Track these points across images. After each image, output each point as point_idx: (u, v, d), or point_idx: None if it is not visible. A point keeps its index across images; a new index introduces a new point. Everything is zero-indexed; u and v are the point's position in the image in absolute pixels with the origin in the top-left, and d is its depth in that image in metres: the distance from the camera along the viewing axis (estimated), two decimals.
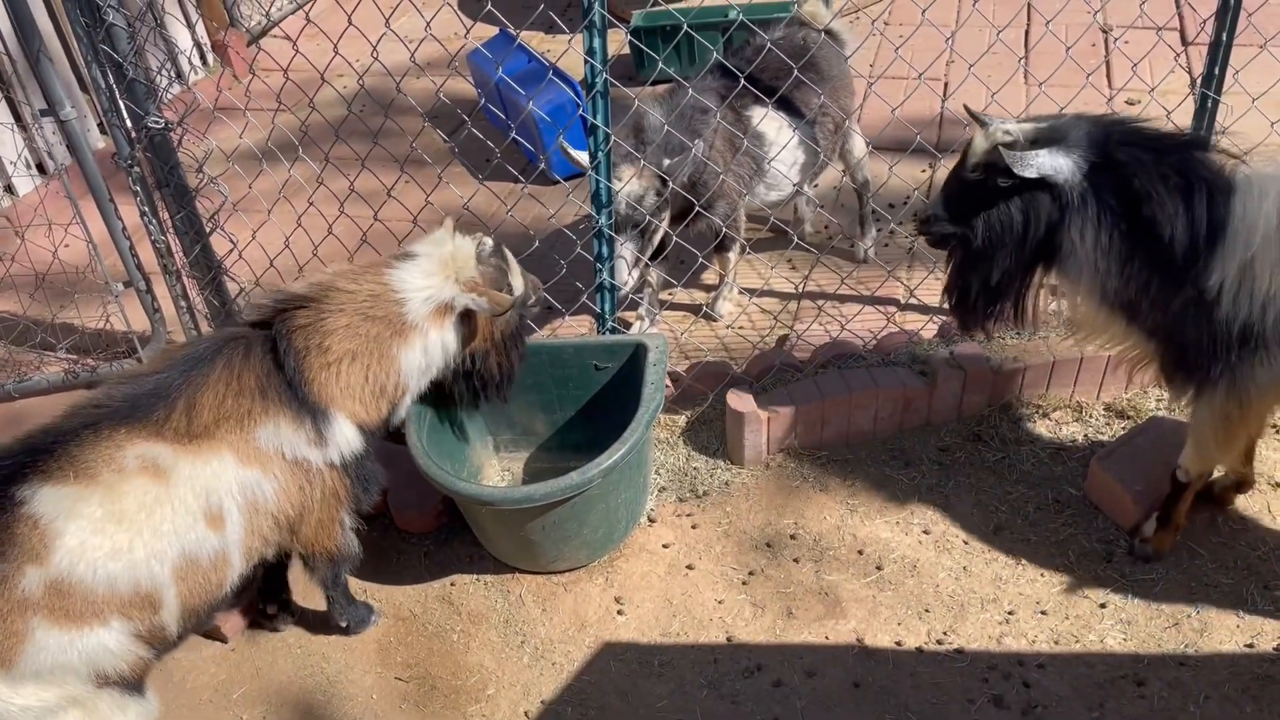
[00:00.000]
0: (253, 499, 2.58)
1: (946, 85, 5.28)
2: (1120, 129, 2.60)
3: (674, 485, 3.47)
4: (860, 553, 3.23)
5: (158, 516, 2.40)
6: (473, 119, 3.63)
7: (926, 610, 3.06)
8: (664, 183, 3.40)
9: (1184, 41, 5.47)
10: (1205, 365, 2.63)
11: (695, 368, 3.60)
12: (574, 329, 3.83)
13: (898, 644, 2.98)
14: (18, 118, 4.83)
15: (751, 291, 4.06)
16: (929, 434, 3.53)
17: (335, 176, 3.90)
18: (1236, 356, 2.57)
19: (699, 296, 4.20)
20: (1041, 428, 3.51)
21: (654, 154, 3.41)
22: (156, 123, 3.52)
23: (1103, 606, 3.00)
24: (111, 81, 3.45)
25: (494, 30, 5.39)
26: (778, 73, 3.49)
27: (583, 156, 3.56)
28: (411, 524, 3.40)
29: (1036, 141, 2.57)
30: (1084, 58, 5.17)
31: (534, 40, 5.91)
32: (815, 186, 4.26)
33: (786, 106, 3.69)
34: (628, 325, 3.90)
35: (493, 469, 3.51)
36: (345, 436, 2.70)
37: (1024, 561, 3.15)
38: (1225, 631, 2.90)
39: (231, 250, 3.83)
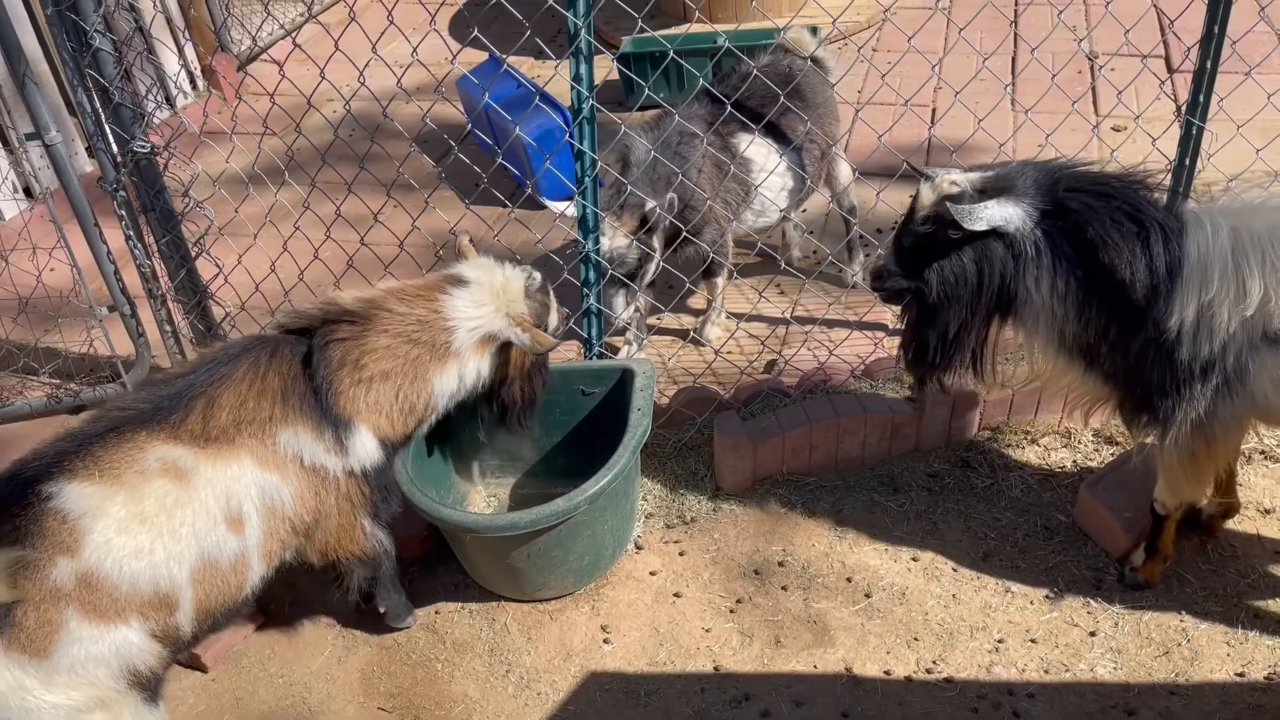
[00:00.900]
0: (271, 503, 2.60)
1: (934, 112, 5.30)
2: (1068, 174, 2.58)
3: (661, 512, 3.45)
4: (849, 580, 3.20)
5: (177, 519, 2.44)
6: (461, 144, 3.62)
7: (915, 639, 3.03)
8: (644, 223, 3.41)
9: (1169, 69, 5.51)
10: (1169, 406, 2.62)
11: (683, 393, 3.58)
12: (561, 354, 3.80)
13: (886, 673, 2.95)
14: (4, 141, 4.81)
15: (739, 317, 4.05)
16: (918, 460, 3.52)
17: (322, 201, 3.89)
18: (1199, 395, 2.56)
19: (687, 321, 4.19)
20: (1030, 454, 3.50)
21: (641, 183, 3.42)
22: (142, 147, 3.50)
23: (1093, 635, 2.98)
24: (97, 106, 3.45)
25: (483, 56, 5.40)
26: (764, 100, 3.50)
27: (561, 207, 3.57)
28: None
29: (984, 191, 2.56)
30: (1070, 85, 5.20)
31: (523, 66, 5.91)
32: (803, 212, 4.26)
33: (773, 133, 3.70)
34: (615, 350, 3.89)
35: (478, 496, 3.48)
36: (366, 448, 2.73)
37: (1013, 589, 3.12)
38: (1216, 660, 2.88)
39: (217, 275, 3.81)
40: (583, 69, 2.87)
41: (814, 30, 4.84)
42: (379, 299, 2.74)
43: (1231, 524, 3.20)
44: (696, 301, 4.23)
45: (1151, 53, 5.49)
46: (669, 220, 3.46)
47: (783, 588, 3.20)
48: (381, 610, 3.12)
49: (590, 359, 3.46)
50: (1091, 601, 3.07)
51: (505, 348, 2.83)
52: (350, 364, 2.66)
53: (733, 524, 3.39)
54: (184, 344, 3.95)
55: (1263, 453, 3.36)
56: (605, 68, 5.67)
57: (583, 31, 2.77)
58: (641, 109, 5.38)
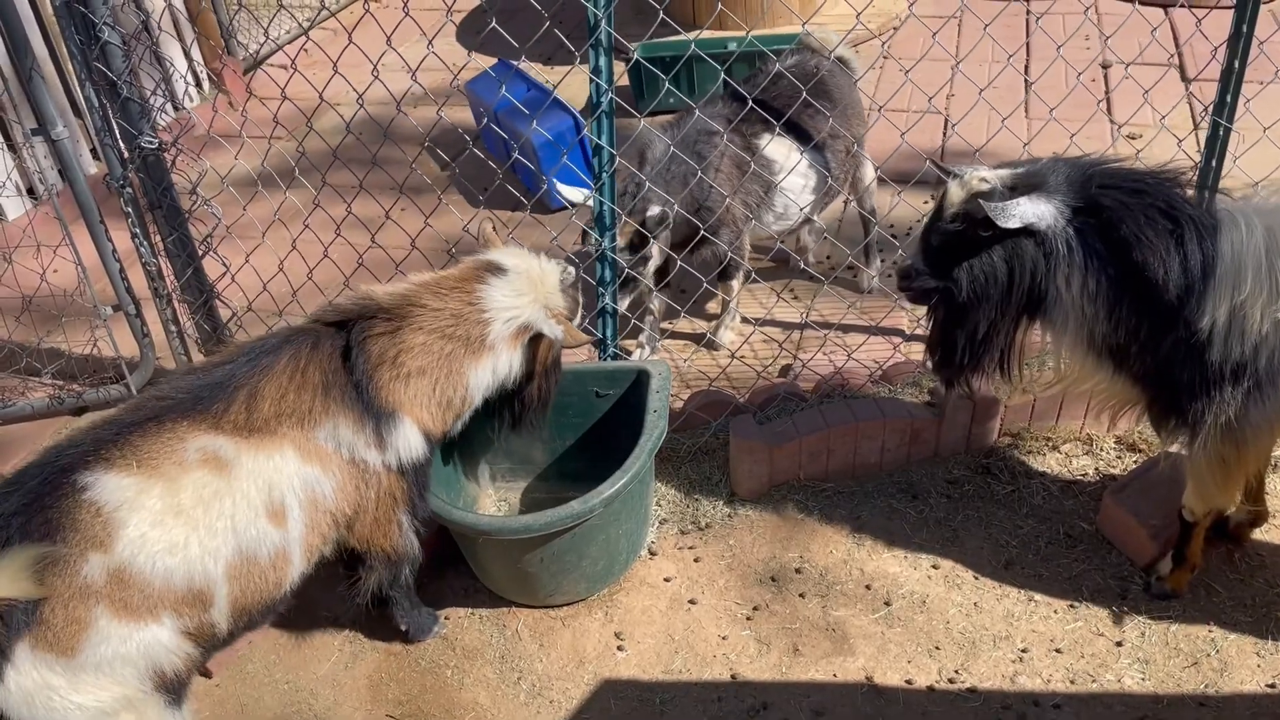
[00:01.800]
0: (313, 495, 2.55)
1: (946, 120, 5.26)
2: (1100, 171, 2.52)
3: (675, 517, 3.38)
4: (868, 588, 3.13)
5: (214, 512, 2.37)
6: (472, 145, 3.57)
7: (937, 648, 2.96)
8: (644, 228, 3.36)
9: (1184, 78, 5.47)
10: (1199, 408, 2.56)
11: (697, 396, 3.52)
12: (574, 355, 3.74)
13: (908, 682, 2.88)
14: (8, 141, 4.75)
15: (754, 320, 4.00)
16: (937, 466, 3.45)
17: (332, 203, 3.83)
18: (1230, 398, 2.50)
19: (700, 325, 4.13)
20: (1052, 460, 3.43)
21: (656, 181, 3.37)
22: (150, 143, 3.45)
23: (1119, 645, 2.91)
24: (105, 100, 3.40)
25: (490, 62, 5.36)
26: (790, 99, 3.44)
27: (573, 193, 3.51)
28: None
29: (1014, 188, 2.50)
30: (1084, 94, 5.16)
31: (532, 71, 5.87)
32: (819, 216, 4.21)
33: (798, 133, 3.65)
34: (628, 353, 3.82)
35: (489, 499, 3.41)
36: (409, 441, 2.67)
37: (1037, 598, 3.05)
38: (1246, 671, 2.81)
39: (224, 274, 3.75)
40: (602, 61, 2.81)
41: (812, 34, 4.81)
42: (413, 294, 2.69)
43: (1260, 533, 3.13)
44: (711, 305, 4.17)
45: (1167, 62, 5.46)
46: (685, 218, 3.41)
47: (800, 595, 3.13)
48: (403, 628, 3.05)
49: (604, 360, 3.39)
50: (1117, 611, 3.00)
51: (534, 342, 2.77)
52: (388, 361, 2.61)
53: (748, 530, 3.32)
54: (189, 345, 3.89)
55: None
56: (615, 73, 5.62)
57: (603, 23, 2.72)
58: (651, 114, 5.34)
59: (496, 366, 2.75)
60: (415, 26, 3.37)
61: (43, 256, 3.97)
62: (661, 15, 3.38)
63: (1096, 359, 2.64)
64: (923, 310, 3.84)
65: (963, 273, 2.57)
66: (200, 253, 3.69)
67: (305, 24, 6.61)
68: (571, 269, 2.90)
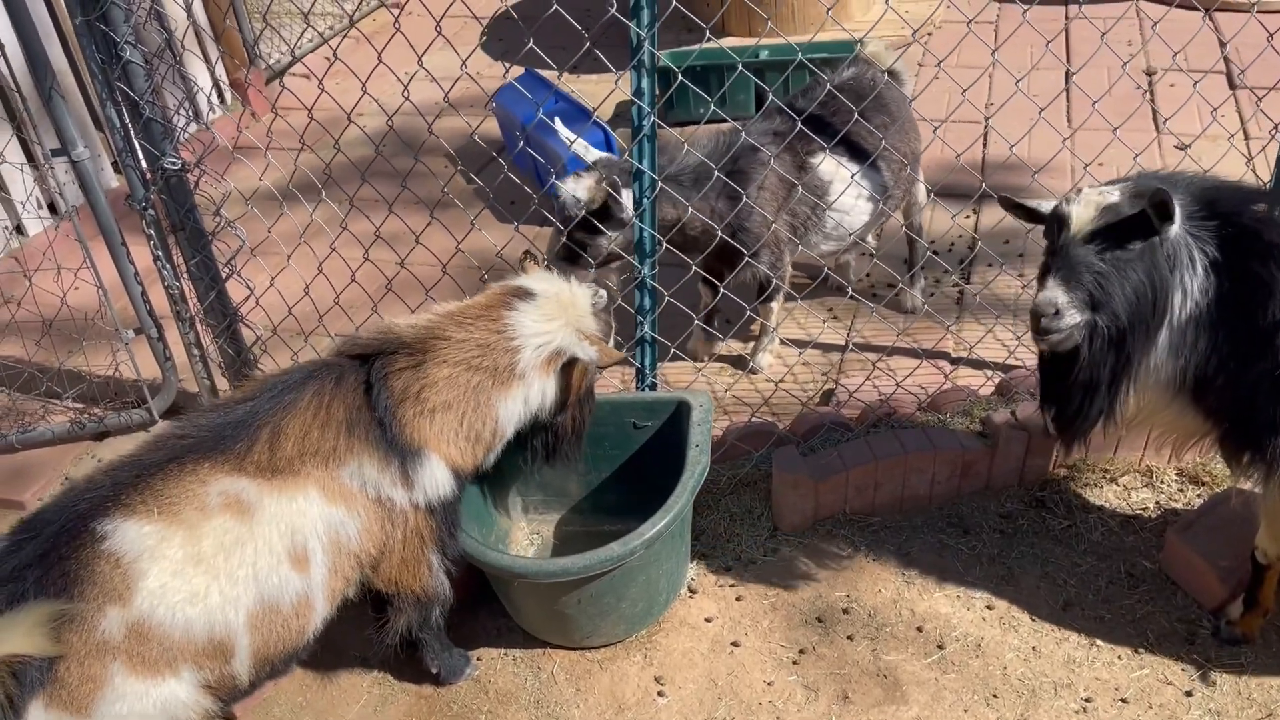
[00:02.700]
0: (336, 538, 2.44)
1: (986, 125, 5.10)
2: (1224, 190, 2.39)
3: (716, 552, 3.24)
4: (920, 630, 2.99)
5: (235, 560, 2.28)
6: (497, 160, 3.45)
7: (994, 695, 2.81)
8: (608, 204, 3.22)
9: (1230, 85, 5.29)
10: (1278, 445, 2.40)
11: (738, 427, 3.38)
12: (610, 384, 3.61)
13: None
14: (29, 157, 4.67)
15: (794, 343, 3.86)
16: (989, 499, 3.30)
17: (356, 219, 3.72)
18: None
19: (736, 347, 3.99)
20: (1110, 494, 3.28)
21: (683, 186, 3.24)
22: (173, 163, 3.35)
23: (1189, 694, 2.76)
24: (127, 120, 3.30)
25: (517, 72, 5.24)
26: (849, 115, 3.30)
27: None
28: None
29: (1139, 195, 2.35)
30: (1127, 102, 4.99)
31: (557, 80, 5.74)
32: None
33: (855, 151, 3.50)
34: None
35: (521, 532, 3.29)
36: (436, 479, 2.56)
37: (1099, 642, 2.90)
38: None
39: (248, 297, 3.64)
40: (644, 83, 2.68)
41: (858, 43, 4.67)
42: (437, 325, 2.57)
43: None
44: (752, 325, 4.03)
45: (1212, 69, 5.29)
46: (708, 228, 3.28)
47: (849, 637, 2.99)
48: (434, 671, 2.94)
49: (643, 390, 3.26)
50: (1185, 657, 2.84)
51: (567, 368, 2.64)
52: (412, 397, 2.50)
53: (792, 567, 3.18)
54: (212, 369, 3.79)
55: None
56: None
57: (646, 43, 2.59)
58: (678, 125, 5.21)
59: (529, 396, 2.63)
60: (440, 35, 3.24)
61: (63, 277, 3.87)
62: (700, 21, 3.23)
63: (1175, 391, 2.49)
64: (966, 333, 3.73)
65: (1116, 295, 2.32)
66: (224, 275, 3.58)
67: (329, 31, 6.52)
68: (603, 291, 2.79)
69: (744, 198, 3.17)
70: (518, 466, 3.21)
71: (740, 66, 3.34)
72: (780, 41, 5.34)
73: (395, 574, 2.65)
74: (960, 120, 4.77)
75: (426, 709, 2.94)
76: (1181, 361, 2.41)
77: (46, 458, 3.87)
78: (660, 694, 2.90)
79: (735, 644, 3.00)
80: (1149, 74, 5.51)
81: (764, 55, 5.29)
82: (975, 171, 4.27)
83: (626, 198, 3.15)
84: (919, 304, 3.97)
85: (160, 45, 3.31)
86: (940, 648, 2.94)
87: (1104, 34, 3.42)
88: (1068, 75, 5.41)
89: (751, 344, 3.89)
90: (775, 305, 3.65)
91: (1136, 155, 3.32)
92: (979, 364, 3.64)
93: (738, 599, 3.12)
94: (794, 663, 2.95)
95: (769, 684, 2.90)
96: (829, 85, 3.30)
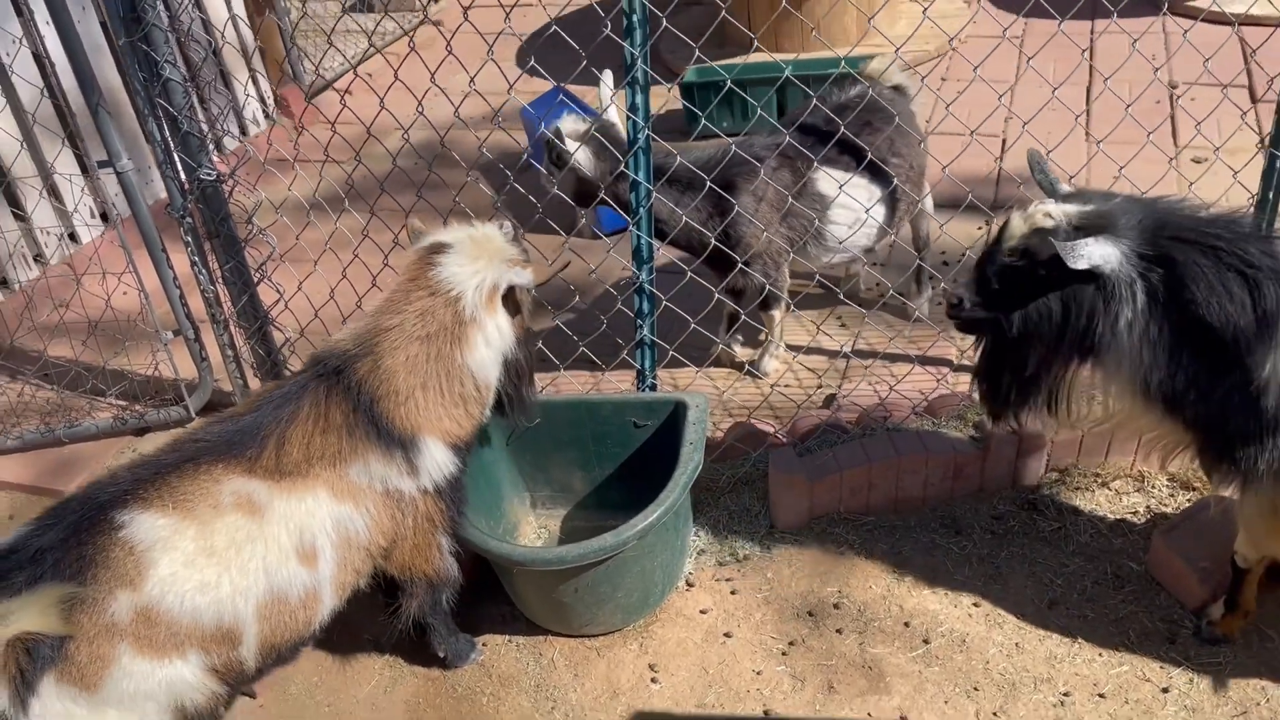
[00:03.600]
0: (346, 534, 2.59)
1: (1004, 142, 5.18)
2: (1175, 219, 2.46)
3: (713, 548, 3.37)
4: (907, 625, 3.09)
5: (246, 553, 2.43)
6: (519, 173, 3.62)
7: (975, 688, 2.91)
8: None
9: (1253, 99, 5.32)
10: (1251, 455, 2.48)
11: (738, 427, 3.51)
12: (616, 385, 3.76)
13: None
14: (83, 169, 4.94)
15: (800, 349, 3.98)
16: (981, 502, 3.39)
17: (382, 230, 3.91)
18: None
19: (741, 354, 4.12)
20: (1101, 498, 3.36)
21: (674, 193, 3.40)
22: (209, 174, 3.56)
23: (1165, 691, 2.83)
24: (167, 134, 3.52)
25: (546, 86, 5.42)
26: (858, 130, 3.42)
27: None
28: None
29: (1081, 227, 2.44)
30: (1147, 115, 5.04)
31: (587, 96, 5.92)
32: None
33: (856, 165, 3.61)
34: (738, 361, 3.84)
35: (529, 526, 3.45)
36: (437, 461, 2.69)
37: (1080, 640, 2.99)
38: None
39: (278, 301, 3.85)
40: (639, 99, 2.84)
41: (870, 59, 4.78)
42: (371, 324, 2.68)
43: None
44: (763, 334, 4.16)
45: (1233, 82, 5.31)
46: (701, 234, 3.45)
47: (838, 630, 3.10)
48: (441, 655, 3.09)
49: (643, 390, 3.41)
50: (1165, 656, 2.91)
51: (509, 299, 2.72)
52: (386, 395, 2.63)
53: (787, 563, 3.30)
54: (245, 368, 4.00)
55: None
56: (668, 96, 5.66)
57: (639, 61, 2.75)
58: (701, 138, 5.35)
59: (488, 337, 2.70)
60: (473, 50, 3.40)
61: (108, 282, 4.11)
62: (716, 38, 3.39)
63: (1146, 403, 2.58)
64: (968, 342, 3.82)
65: (1016, 309, 2.52)
66: (255, 279, 3.79)
67: (366, 50, 6.77)
68: (508, 223, 2.84)
69: (735, 206, 3.31)
70: (527, 462, 3.38)
71: (729, 83, 3.47)
72: (798, 57, 5.46)
73: (408, 560, 2.80)
74: (982, 134, 4.86)
75: (433, 690, 3.10)
76: (1141, 376, 2.50)
77: (91, 451, 4.10)
78: (654, 680, 3.03)
79: (728, 635, 3.13)
80: (1172, 88, 5.56)
81: (787, 70, 5.42)
82: (976, 185, 4.36)
83: (570, 145, 3.38)
84: (925, 312, 4.07)
85: (199, 63, 3.52)
86: (926, 642, 3.04)
87: (1135, 40, 3.49)
88: (1088, 91, 5.48)
89: (758, 350, 4.01)
90: (776, 313, 3.77)
91: (1121, 167, 3.38)
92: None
93: (733, 592, 3.24)
94: (783, 654, 3.06)
95: (758, 673, 3.02)
96: (815, 100, 3.43)
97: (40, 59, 4.49)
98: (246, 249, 3.75)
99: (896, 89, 3.87)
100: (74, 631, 2.24)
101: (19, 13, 4.55)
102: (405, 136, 3.39)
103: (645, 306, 3.23)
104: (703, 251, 3.44)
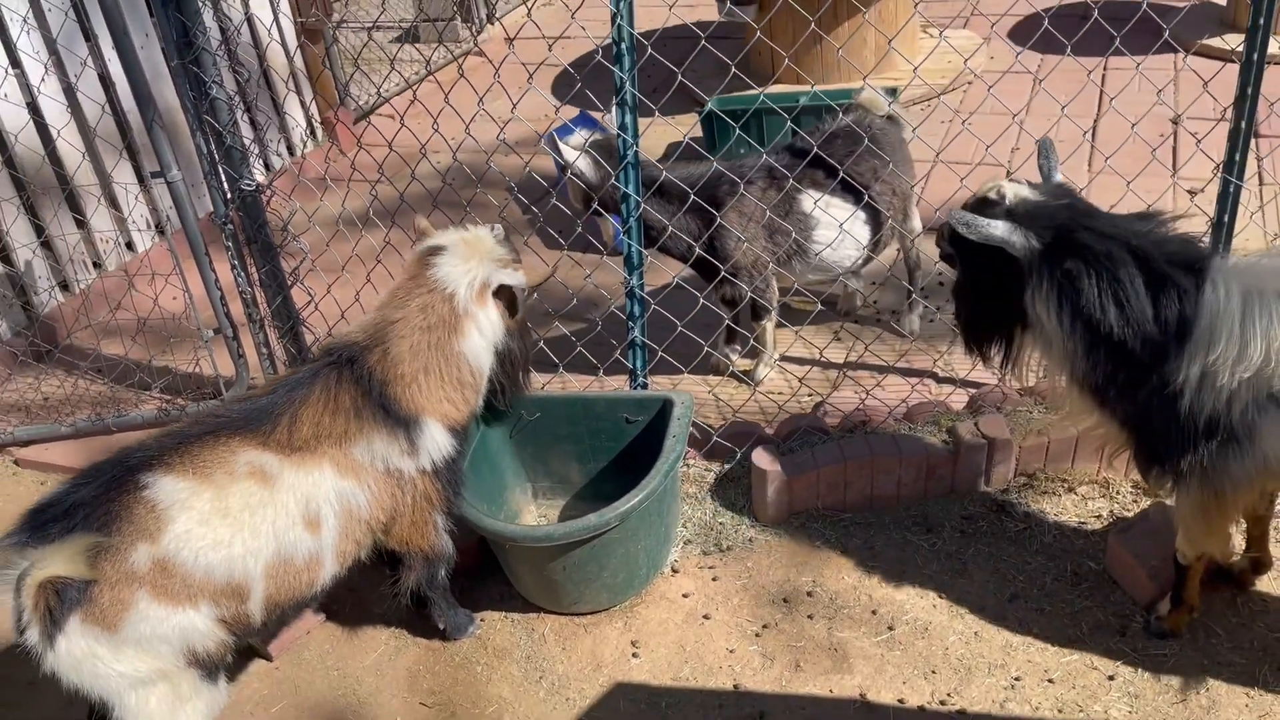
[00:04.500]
0: (348, 507, 2.87)
1: (1008, 172, 5.38)
2: (1086, 217, 2.66)
3: (699, 538, 3.61)
4: (874, 613, 3.30)
5: (259, 517, 2.70)
6: (556, 194, 3.92)
7: (933, 671, 3.11)
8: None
9: (1254, 134, 5.47)
10: (1176, 459, 2.64)
11: (724, 426, 3.75)
12: (610, 385, 4.02)
13: (900, 701, 3.03)
14: (140, 180, 5.34)
15: (795, 361, 4.21)
16: (953, 502, 3.60)
17: (407, 243, 4.21)
18: (1205, 449, 2.58)
19: (741, 362, 4.36)
20: (1067, 502, 3.55)
21: (661, 205, 3.68)
22: (249, 185, 3.90)
23: (1111, 679, 3.01)
24: (212, 147, 3.87)
25: (579, 111, 5.74)
26: (844, 155, 3.69)
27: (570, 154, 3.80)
28: None
29: (1012, 210, 2.68)
30: (1147, 147, 5.23)
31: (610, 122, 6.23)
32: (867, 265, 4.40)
33: (844, 189, 3.87)
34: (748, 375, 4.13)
35: (530, 515, 3.71)
36: (436, 442, 2.97)
37: (1036, 630, 3.17)
38: (1233, 709, 2.88)
39: (309, 303, 4.17)
40: (628, 119, 3.12)
41: (893, 91, 5.04)
42: (378, 318, 3.00)
43: (1269, 580, 3.18)
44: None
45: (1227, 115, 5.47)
46: (690, 245, 3.74)
47: (809, 616, 3.32)
48: (441, 627, 3.35)
49: (635, 389, 3.67)
50: (1114, 647, 3.09)
51: (501, 295, 3.03)
52: (393, 379, 2.92)
53: (766, 554, 3.53)
54: (277, 365, 4.33)
55: None
56: (689, 122, 5.96)
57: (627, 84, 3.03)
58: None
59: (481, 328, 3.01)
60: (512, 79, 3.71)
61: (157, 284, 4.48)
62: (740, 68, 3.69)
63: (1080, 393, 2.76)
64: (953, 355, 4.04)
65: (965, 253, 2.81)
66: (289, 283, 4.12)
67: (415, 76, 7.16)
68: (499, 226, 3.18)
69: (716, 218, 3.58)
70: (529, 455, 3.65)
71: (707, 117, 3.74)
72: (813, 89, 5.72)
73: (406, 535, 3.08)
74: (986, 164, 5.08)
75: (433, 659, 3.36)
76: (1070, 364, 2.71)
77: (137, 439, 4.44)
78: (635, 655, 3.27)
79: (706, 617, 3.36)
80: (1174, 121, 5.73)
81: (802, 101, 5.70)
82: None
83: (569, 154, 3.70)
84: (915, 328, 4.30)
85: (245, 82, 3.87)
86: (890, 629, 3.25)
87: (1138, 64, 3.67)
88: (1095, 125, 5.67)
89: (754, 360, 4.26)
90: (766, 323, 4.02)
91: (1128, 184, 3.58)
92: (955, 381, 3.94)
93: (714, 579, 3.48)
94: (756, 635, 3.29)
95: (731, 651, 3.24)
96: (830, 129, 3.69)
97: (104, 79, 4.90)
98: (281, 254, 4.09)
99: (890, 119, 4.12)
100: (98, 576, 2.51)
101: (87, 38, 4.99)
102: (455, 158, 3.71)
103: (636, 310, 3.50)
104: (689, 259, 3.72)
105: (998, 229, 2.63)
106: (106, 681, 2.56)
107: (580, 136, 3.71)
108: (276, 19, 6.11)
